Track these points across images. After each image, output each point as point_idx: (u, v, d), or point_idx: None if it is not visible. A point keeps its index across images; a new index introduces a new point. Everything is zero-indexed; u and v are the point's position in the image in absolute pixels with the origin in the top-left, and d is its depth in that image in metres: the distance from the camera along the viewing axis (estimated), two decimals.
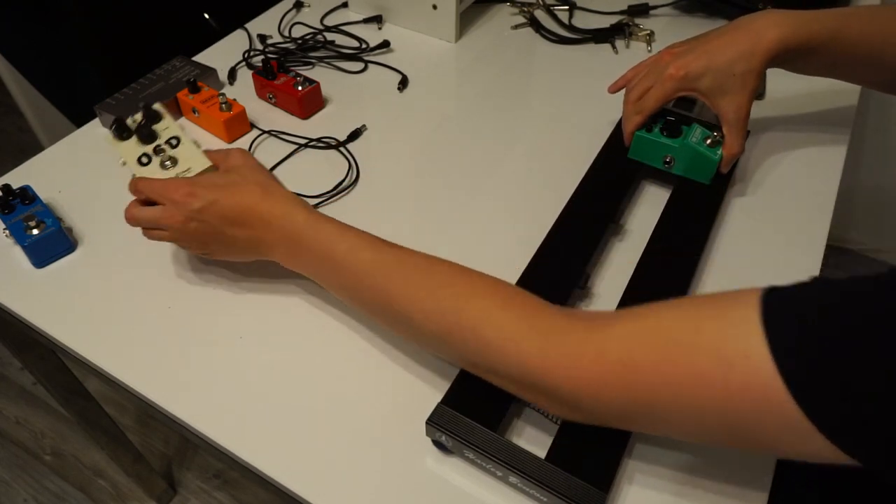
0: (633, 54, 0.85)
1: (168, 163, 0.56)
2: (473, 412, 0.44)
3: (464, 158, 0.70)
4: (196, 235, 0.52)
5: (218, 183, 0.52)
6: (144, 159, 0.57)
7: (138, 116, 0.59)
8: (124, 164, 0.58)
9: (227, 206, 0.50)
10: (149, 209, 0.52)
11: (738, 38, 0.57)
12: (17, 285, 0.58)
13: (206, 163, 0.56)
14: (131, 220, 0.53)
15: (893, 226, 1.51)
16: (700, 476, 0.45)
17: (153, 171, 0.56)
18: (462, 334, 0.42)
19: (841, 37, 0.57)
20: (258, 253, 0.53)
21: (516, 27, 0.90)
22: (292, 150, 0.71)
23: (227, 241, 0.52)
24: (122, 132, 0.58)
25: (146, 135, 0.58)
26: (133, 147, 0.58)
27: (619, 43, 0.87)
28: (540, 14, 0.92)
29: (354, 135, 0.72)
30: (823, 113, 0.73)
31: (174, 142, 0.57)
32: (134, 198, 0.54)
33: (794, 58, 0.58)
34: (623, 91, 0.65)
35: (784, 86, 0.76)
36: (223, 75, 0.81)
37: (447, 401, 0.45)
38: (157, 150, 0.57)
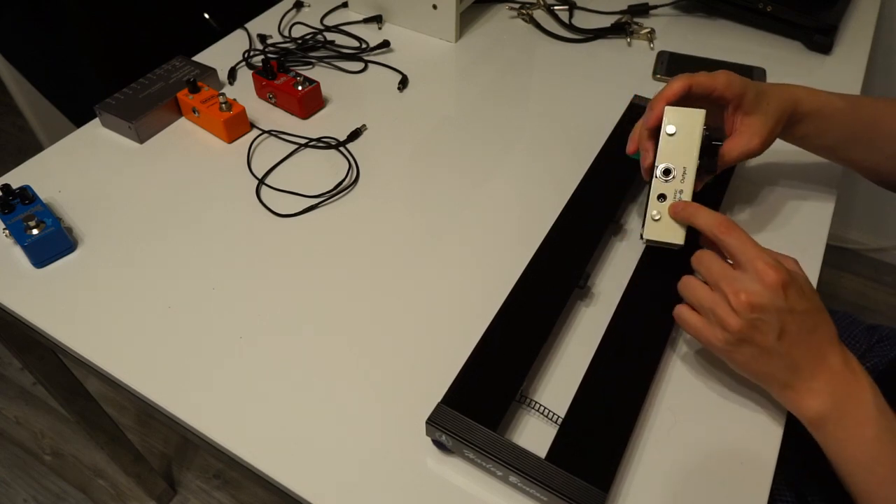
0: (635, 53, 0.85)
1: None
2: (473, 412, 0.44)
3: (464, 158, 0.70)
4: (758, 315, 0.43)
5: (805, 295, 0.44)
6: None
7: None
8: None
9: (815, 306, 0.44)
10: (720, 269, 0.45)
11: (767, 89, 0.56)
12: (17, 285, 0.58)
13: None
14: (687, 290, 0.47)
15: (893, 226, 1.51)
16: (700, 476, 0.45)
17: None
18: None
19: (854, 108, 0.58)
20: (799, 379, 0.44)
21: (516, 25, 0.90)
22: (292, 149, 0.71)
23: (780, 346, 0.43)
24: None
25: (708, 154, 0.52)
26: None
27: (621, 41, 0.87)
28: (540, 14, 0.92)
29: (354, 135, 0.72)
30: None
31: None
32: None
33: (807, 124, 0.57)
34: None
35: None
36: (223, 75, 0.81)
37: (447, 401, 0.45)
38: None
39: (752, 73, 0.78)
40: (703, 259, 0.47)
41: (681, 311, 0.48)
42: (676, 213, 0.51)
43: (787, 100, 0.56)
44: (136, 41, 1.10)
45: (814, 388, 0.44)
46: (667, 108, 0.52)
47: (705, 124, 0.52)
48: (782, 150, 0.70)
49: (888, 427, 0.42)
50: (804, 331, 0.43)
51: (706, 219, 0.47)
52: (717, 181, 0.62)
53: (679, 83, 0.53)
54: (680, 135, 0.52)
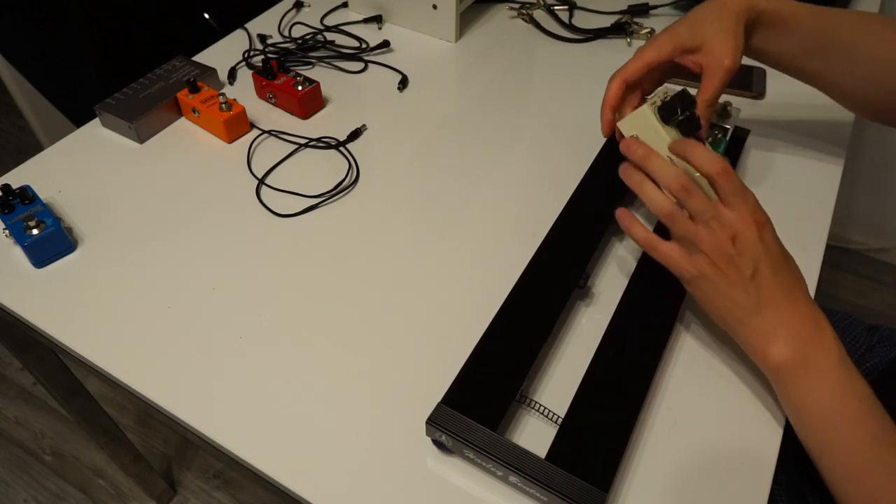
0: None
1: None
2: (473, 412, 0.44)
3: (464, 158, 0.70)
4: (735, 249, 0.46)
5: (777, 237, 0.48)
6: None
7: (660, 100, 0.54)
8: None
9: (782, 249, 0.47)
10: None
11: (711, 4, 0.56)
12: (17, 285, 0.58)
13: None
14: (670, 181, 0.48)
15: (893, 226, 1.51)
16: (700, 476, 0.45)
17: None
18: None
19: (812, 17, 0.56)
20: (763, 321, 0.45)
21: (516, 25, 0.90)
22: (292, 149, 0.71)
23: (751, 283, 0.45)
24: (665, 113, 0.53)
25: (688, 128, 0.53)
26: (675, 135, 0.53)
27: (621, 41, 0.87)
28: (540, 14, 0.92)
29: (354, 135, 0.72)
30: (824, 113, 0.73)
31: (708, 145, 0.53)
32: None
33: (764, 28, 0.56)
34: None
35: (784, 86, 0.75)
36: (223, 75, 0.81)
37: (447, 400, 0.45)
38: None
39: (752, 74, 0.78)
40: (693, 192, 0.48)
41: (651, 239, 0.50)
42: (674, 149, 0.51)
43: (729, 10, 0.55)
44: (136, 41, 1.10)
45: (779, 334, 0.45)
46: (617, 124, 0.56)
47: (667, 96, 0.53)
48: (782, 149, 0.70)
49: (848, 377, 0.43)
50: (777, 272, 0.46)
51: (703, 157, 0.48)
52: None
53: (613, 85, 0.58)
54: (647, 136, 0.53)
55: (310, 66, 0.83)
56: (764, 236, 0.46)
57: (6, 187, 0.60)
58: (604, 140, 0.68)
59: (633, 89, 0.60)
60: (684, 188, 0.48)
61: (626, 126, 0.55)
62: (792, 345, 0.44)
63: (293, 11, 0.92)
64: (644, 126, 0.54)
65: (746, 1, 0.55)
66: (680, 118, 0.52)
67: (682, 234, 0.48)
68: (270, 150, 0.71)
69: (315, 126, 0.74)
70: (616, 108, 0.59)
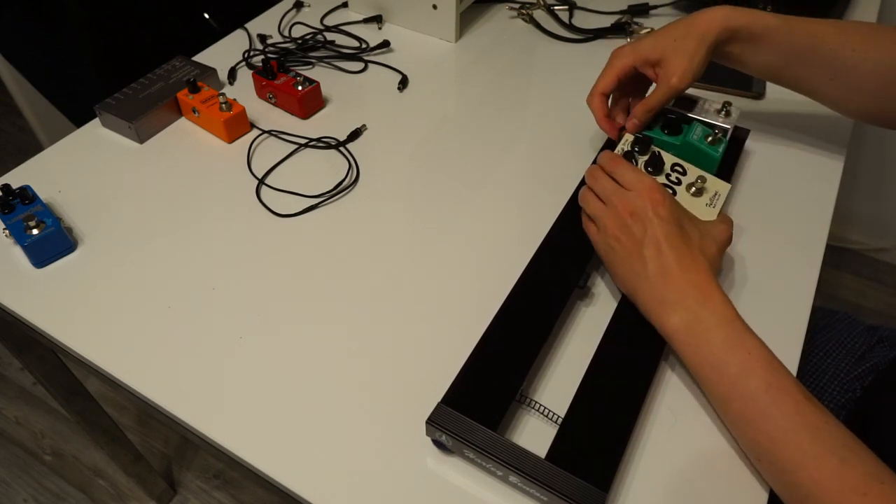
0: None
1: (694, 189, 0.58)
2: (473, 412, 0.44)
3: (464, 158, 0.70)
4: (632, 221, 0.51)
5: (680, 217, 0.51)
6: (669, 189, 0.57)
7: (626, 147, 0.61)
8: None
9: (678, 224, 0.50)
10: (610, 184, 0.54)
11: (686, 20, 0.60)
12: (17, 285, 0.58)
13: (727, 187, 0.59)
14: (590, 178, 0.56)
15: (893, 226, 1.51)
16: (700, 476, 0.45)
17: (683, 195, 0.58)
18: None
19: (787, 29, 0.58)
20: (655, 288, 0.49)
21: (516, 25, 0.90)
22: (292, 149, 0.71)
23: (645, 249, 0.50)
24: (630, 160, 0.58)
25: (655, 165, 0.59)
26: None
27: (621, 41, 0.86)
28: (540, 14, 0.92)
29: (354, 135, 0.72)
30: (823, 113, 0.73)
31: (680, 169, 0.59)
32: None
33: (742, 41, 0.59)
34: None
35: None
36: (223, 75, 0.81)
37: (447, 400, 0.45)
38: (670, 178, 0.59)
39: None
40: (599, 177, 0.55)
41: (584, 220, 0.56)
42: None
43: (698, 29, 0.58)
44: (136, 41, 1.10)
45: (671, 300, 0.48)
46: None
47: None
48: (782, 149, 0.70)
49: (735, 332, 0.46)
50: (672, 244, 0.49)
51: (600, 157, 0.58)
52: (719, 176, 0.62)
53: (595, 101, 0.64)
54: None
55: (310, 66, 0.83)
56: (658, 210, 0.50)
57: (6, 187, 0.60)
58: (604, 140, 0.68)
59: (617, 94, 0.65)
60: (591, 174, 0.57)
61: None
62: (682, 310, 0.47)
63: (293, 11, 0.92)
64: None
65: (719, 21, 0.58)
66: (645, 159, 0.59)
67: (592, 213, 0.55)
68: (270, 150, 0.71)
69: (315, 126, 0.74)
70: (610, 116, 0.65)
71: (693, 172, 0.59)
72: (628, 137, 0.62)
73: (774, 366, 0.44)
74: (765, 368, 0.44)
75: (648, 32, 0.86)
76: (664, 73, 0.59)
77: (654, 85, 0.61)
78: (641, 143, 0.59)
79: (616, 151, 0.60)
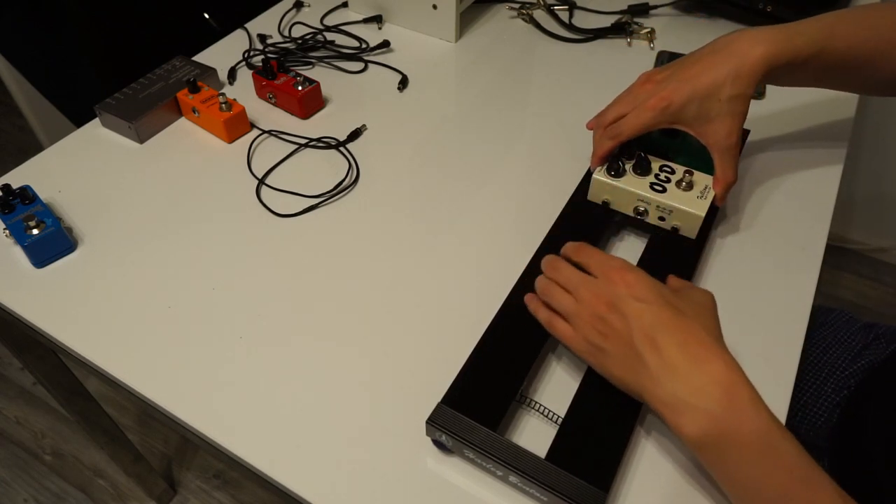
0: (636, 52, 0.85)
1: (684, 184, 0.57)
2: (473, 412, 0.44)
3: (464, 158, 0.70)
4: (609, 313, 0.43)
5: (663, 293, 0.44)
6: (658, 187, 0.57)
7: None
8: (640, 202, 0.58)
9: (664, 302, 0.43)
10: (570, 270, 0.48)
11: (720, 61, 0.53)
12: (17, 285, 0.58)
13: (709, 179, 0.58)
14: (548, 268, 0.49)
15: (893, 226, 1.51)
16: (700, 476, 0.45)
17: (673, 191, 0.57)
18: None
19: (830, 48, 0.54)
20: (663, 387, 0.41)
21: (516, 25, 0.90)
22: (292, 149, 0.71)
23: (637, 344, 0.42)
24: (615, 171, 0.58)
25: (642, 167, 0.58)
26: (635, 180, 0.58)
27: (621, 41, 0.87)
28: (540, 14, 0.92)
29: (354, 135, 0.72)
30: (823, 112, 0.73)
31: (668, 168, 0.59)
32: None
33: (782, 74, 0.55)
34: None
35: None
36: (223, 75, 0.81)
37: (447, 400, 0.45)
38: (659, 177, 0.58)
39: None
40: (560, 267, 0.49)
41: (550, 318, 0.48)
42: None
43: (743, 79, 0.53)
44: (136, 41, 1.10)
45: (685, 406, 0.40)
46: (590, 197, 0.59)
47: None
48: (783, 149, 0.70)
49: (770, 447, 0.39)
50: (668, 330, 0.42)
51: (566, 247, 0.51)
52: None
53: (608, 145, 0.58)
54: (612, 195, 0.59)
55: (310, 66, 0.83)
56: (636, 292, 0.43)
57: (6, 187, 0.60)
58: None
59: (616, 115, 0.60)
60: (550, 265, 0.49)
61: (593, 194, 0.60)
62: (703, 417, 0.39)
63: (293, 11, 0.92)
64: (603, 189, 0.59)
65: (762, 67, 0.53)
66: (632, 164, 0.58)
67: (562, 309, 0.47)
68: (270, 150, 0.71)
69: (315, 126, 0.74)
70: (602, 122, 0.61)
71: (680, 170, 0.59)
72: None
73: (815, 481, 0.38)
74: (807, 487, 0.38)
75: (649, 32, 0.86)
76: (714, 137, 0.55)
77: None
78: (627, 148, 0.59)
79: (597, 172, 0.59)
